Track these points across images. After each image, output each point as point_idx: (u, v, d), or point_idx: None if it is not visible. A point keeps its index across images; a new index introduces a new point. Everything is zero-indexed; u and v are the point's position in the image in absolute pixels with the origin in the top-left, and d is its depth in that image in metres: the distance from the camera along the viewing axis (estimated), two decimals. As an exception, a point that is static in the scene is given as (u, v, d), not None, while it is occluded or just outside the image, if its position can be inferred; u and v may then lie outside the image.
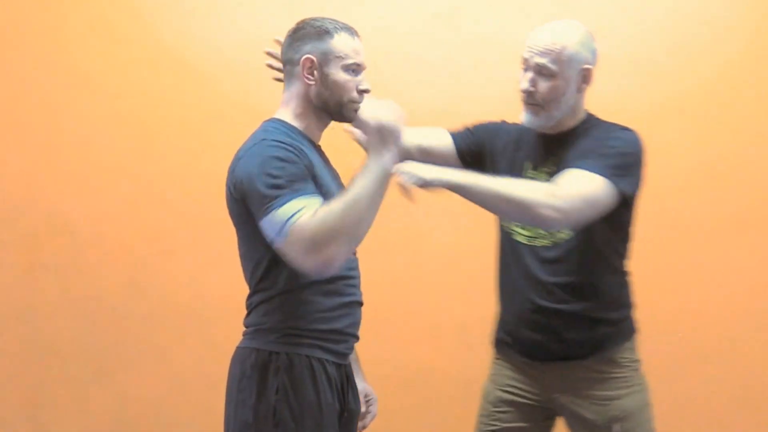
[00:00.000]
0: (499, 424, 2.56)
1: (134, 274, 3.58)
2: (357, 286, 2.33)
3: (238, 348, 2.26)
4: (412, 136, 2.58)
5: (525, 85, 2.42)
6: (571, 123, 2.48)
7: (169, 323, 3.59)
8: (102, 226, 3.62)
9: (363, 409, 2.47)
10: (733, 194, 3.44)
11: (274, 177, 2.09)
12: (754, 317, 3.44)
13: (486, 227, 3.51)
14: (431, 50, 3.54)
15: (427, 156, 2.57)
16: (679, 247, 3.46)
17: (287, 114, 2.29)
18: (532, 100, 2.43)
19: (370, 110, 2.17)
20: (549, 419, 2.59)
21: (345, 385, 2.29)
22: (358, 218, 2.05)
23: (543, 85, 2.40)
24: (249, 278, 2.26)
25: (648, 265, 3.47)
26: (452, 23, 3.54)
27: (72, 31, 3.64)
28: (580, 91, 2.46)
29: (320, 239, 2.02)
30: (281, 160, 2.11)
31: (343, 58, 2.25)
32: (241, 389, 2.20)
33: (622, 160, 2.38)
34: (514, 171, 2.50)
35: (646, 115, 3.43)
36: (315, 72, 2.25)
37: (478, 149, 2.61)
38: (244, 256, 2.26)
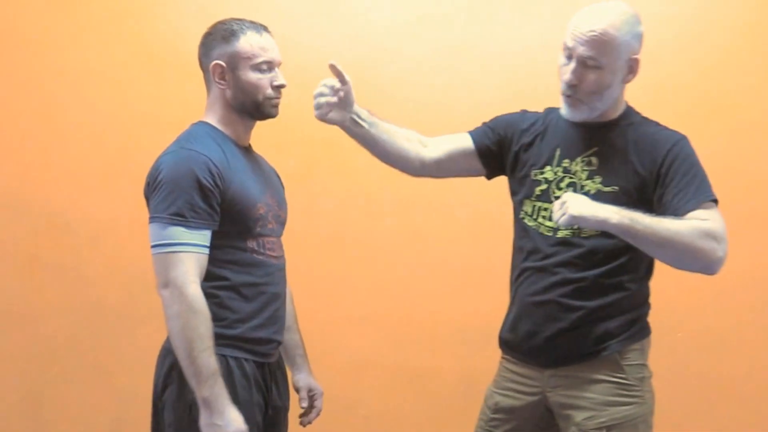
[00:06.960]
0: (495, 431, 2.45)
1: (134, 273, 3.57)
2: (277, 293, 2.32)
3: (163, 345, 2.28)
4: (440, 146, 2.52)
5: (568, 77, 2.20)
6: (611, 115, 2.30)
7: (169, 323, 3.58)
8: (102, 226, 3.62)
9: (305, 405, 2.51)
10: (736, 192, 3.43)
11: (174, 193, 2.15)
12: (758, 316, 3.43)
13: (484, 226, 3.52)
14: (426, 49, 3.54)
15: (451, 163, 2.49)
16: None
17: (212, 118, 2.33)
18: (573, 93, 2.23)
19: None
20: (548, 429, 2.41)
21: (269, 382, 2.32)
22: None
23: (588, 79, 2.19)
24: None
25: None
26: (447, 22, 3.54)
27: (72, 30, 3.63)
28: (625, 81, 2.26)
29: (179, 305, 2.09)
30: (196, 180, 2.16)
31: (250, 58, 2.27)
32: (163, 388, 2.24)
33: (703, 172, 2.26)
34: (542, 161, 2.35)
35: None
36: (226, 76, 2.28)
37: (497, 145, 2.46)
38: None
